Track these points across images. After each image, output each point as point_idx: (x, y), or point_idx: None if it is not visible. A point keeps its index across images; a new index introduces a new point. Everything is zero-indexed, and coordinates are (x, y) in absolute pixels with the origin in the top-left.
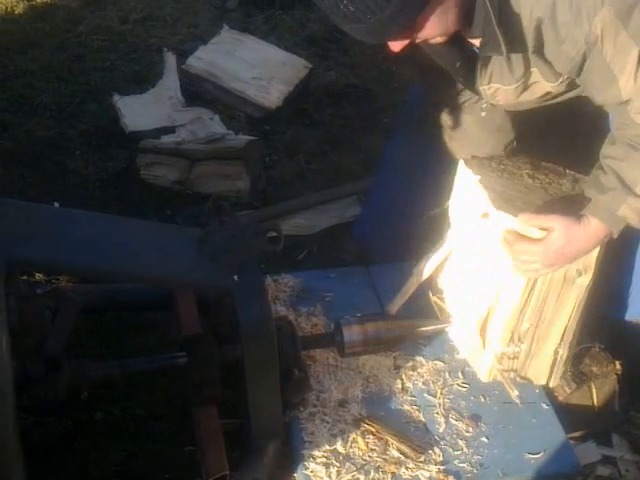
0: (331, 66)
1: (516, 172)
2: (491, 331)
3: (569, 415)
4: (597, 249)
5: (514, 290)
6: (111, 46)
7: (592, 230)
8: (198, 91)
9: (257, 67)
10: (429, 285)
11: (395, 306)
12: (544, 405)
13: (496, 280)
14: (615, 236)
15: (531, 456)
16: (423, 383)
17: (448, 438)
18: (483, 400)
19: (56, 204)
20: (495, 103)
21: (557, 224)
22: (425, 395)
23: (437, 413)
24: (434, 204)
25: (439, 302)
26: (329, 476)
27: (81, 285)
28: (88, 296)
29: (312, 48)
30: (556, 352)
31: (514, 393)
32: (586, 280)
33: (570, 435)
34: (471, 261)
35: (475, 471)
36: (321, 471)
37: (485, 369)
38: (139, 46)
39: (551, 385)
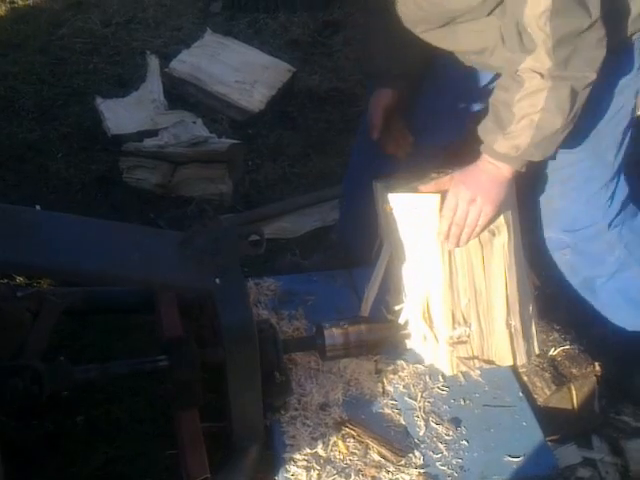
0: (314, 70)
1: (422, 175)
2: (435, 318)
3: (549, 417)
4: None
5: (434, 266)
6: (94, 49)
7: (490, 169)
8: (181, 94)
9: (240, 71)
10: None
11: (365, 311)
12: (523, 407)
13: (418, 265)
14: (517, 169)
15: (511, 459)
16: (404, 387)
17: (428, 441)
18: (463, 403)
19: (38, 207)
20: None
21: (449, 183)
22: (406, 398)
23: (417, 416)
24: None
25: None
26: (310, 479)
27: (62, 288)
28: (69, 299)
29: (295, 52)
30: (508, 325)
31: (476, 372)
32: (504, 239)
33: (550, 437)
34: (398, 258)
35: (455, 474)
36: (302, 474)
37: (446, 362)
38: (122, 49)
39: (519, 363)
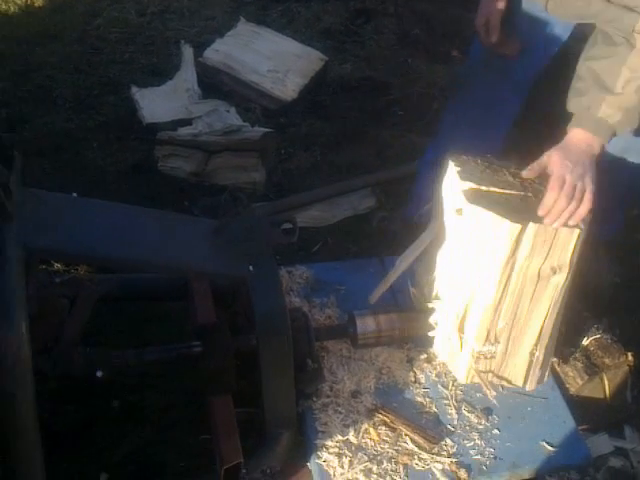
0: (347, 59)
1: (499, 169)
2: (468, 330)
3: (581, 407)
4: (571, 248)
5: (489, 287)
6: (129, 39)
7: (582, 142)
8: (215, 83)
9: (273, 59)
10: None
11: (375, 297)
12: (556, 397)
13: (471, 276)
14: (605, 143)
15: (543, 448)
16: (436, 375)
17: (460, 430)
18: (495, 392)
19: (75, 195)
20: None
21: (551, 160)
22: (438, 387)
23: (449, 405)
24: None
25: (418, 295)
26: (342, 466)
27: (99, 275)
28: (106, 285)
29: (328, 41)
30: (532, 354)
31: (491, 393)
32: (561, 279)
33: (582, 427)
34: (448, 257)
35: (487, 463)
36: (334, 461)
37: (463, 370)
38: (157, 39)
39: (527, 389)
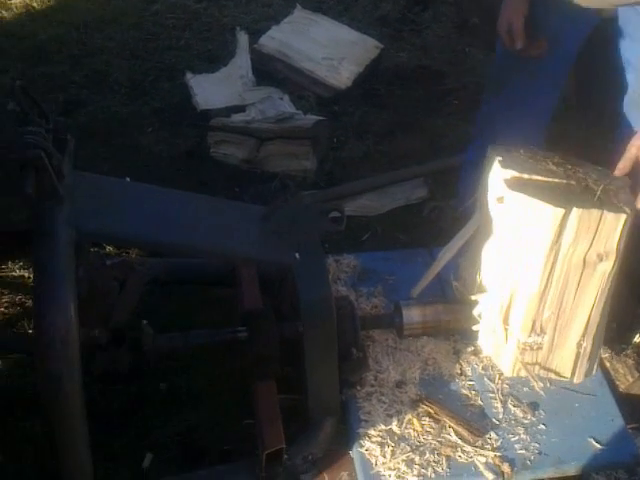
0: (403, 47)
1: (542, 159)
2: (513, 321)
3: (630, 405)
4: (618, 234)
5: (533, 275)
6: (185, 25)
7: None
8: (269, 70)
9: (328, 47)
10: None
11: (417, 289)
12: (605, 393)
13: (515, 266)
14: None
15: (590, 445)
16: (482, 368)
17: (505, 424)
18: (542, 387)
19: (127, 179)
20: None
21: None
22: (484, 380)
23: (495, 398)
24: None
25: (461, 288)
26: (384, 455)
27: (149, 258)
28: (155, 269)
29: (384, 29)
30: (579, 345)
31: (539, 385)
32: (607, 266)
33: (631, 425)
34: (492, 248)
35: (532, 458)
36: (376, 450)
37: (509, 363)
38: (213, 25)
39: (575, 381)
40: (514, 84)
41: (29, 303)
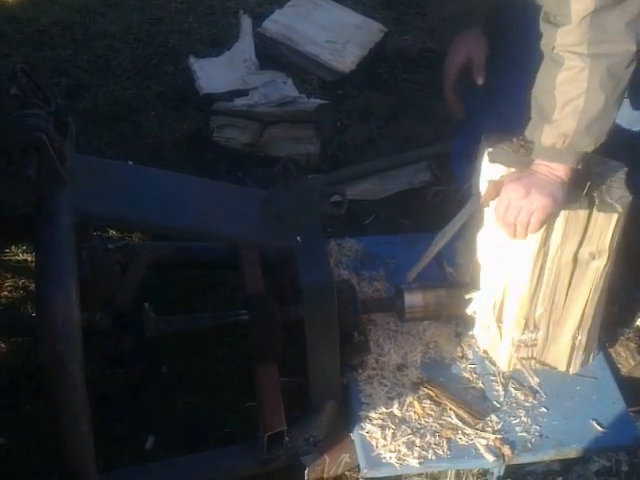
0: (407, 30)
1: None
2: (506, 319)
3: (632, 388)
4: (610, 233)
5: (523, 276)
6: (189, 9)
7: (543, 170)
8: (273, 54)
9: (332, 31)
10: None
11: (413, 273)
12: (606, 377)
13: (505, 267)
14: (577, 166)
15: (591, 427)
16: (484, 351)
17: (506, 407)
18: (538, 379)
19: (130, 163)
20: None
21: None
22: (485, 363)
23: (496, 381)
24: None
25: (455, 274)
26: (384, 438)
27: (151, 242)
28: (158, 252)
29: (389, 12)
30: (574, 337)
31: (534, 380)
32: (600, 264)
33: (632, 408)
34: (485, 242)
35: (533, 440)
36: (377, 432)
37: (504, 358)
38: (217, 9)
39: (571, 372)
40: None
41: (32, 287)
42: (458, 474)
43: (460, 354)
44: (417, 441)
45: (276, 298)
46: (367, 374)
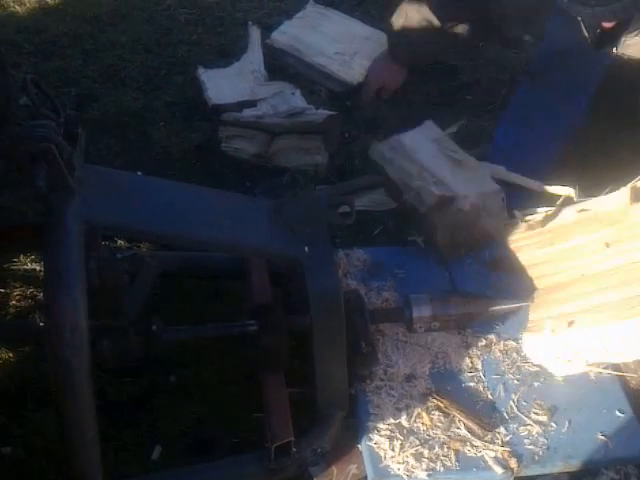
0: None
1: None
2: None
3: None
4: None
5: None
6: (198, 19)
7: None
8: (281, 65)
9: (341, 42)
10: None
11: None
12: (614, 389)
13: None
14: None
15: (599, 440)
16: (493, 362)
17: (515, 418)
18: (553, 381)
19: (139, 173)
20: None
21: None
22: (494, 374)
23: (505, 392)
24: None
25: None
26: (392, 449)
27: (159, 252)
28: (166, 262)
29: None
30: None
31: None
32: None
33: None
34: None
35: (541, 453)
36: (385, 443)
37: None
38: (225, 20)
39: None
40: (560, 67)
41: (40, 296)
42: None
43: (469, 365)
44: (425, 452)
45: (284, 308)
46: (375, 385)
